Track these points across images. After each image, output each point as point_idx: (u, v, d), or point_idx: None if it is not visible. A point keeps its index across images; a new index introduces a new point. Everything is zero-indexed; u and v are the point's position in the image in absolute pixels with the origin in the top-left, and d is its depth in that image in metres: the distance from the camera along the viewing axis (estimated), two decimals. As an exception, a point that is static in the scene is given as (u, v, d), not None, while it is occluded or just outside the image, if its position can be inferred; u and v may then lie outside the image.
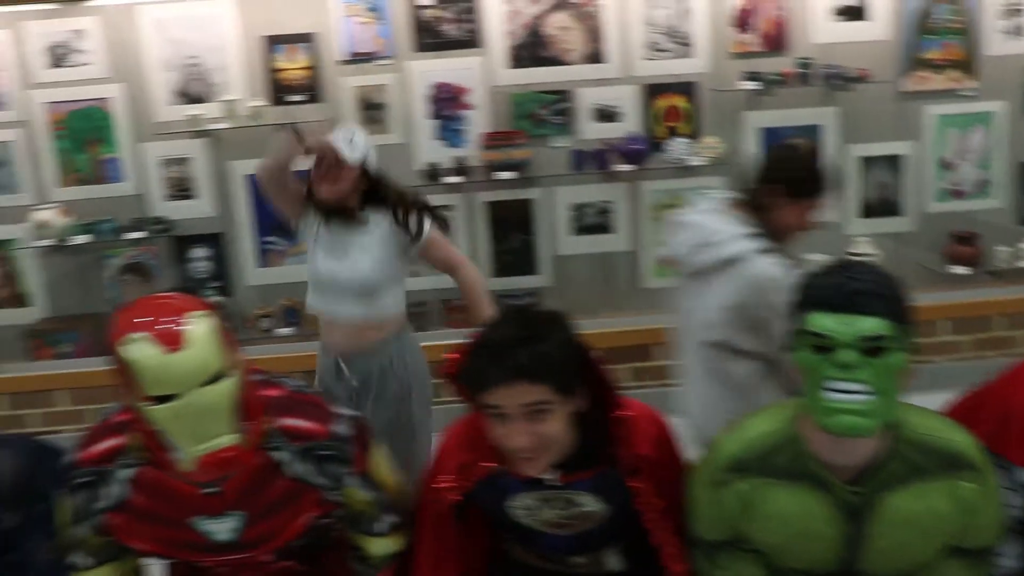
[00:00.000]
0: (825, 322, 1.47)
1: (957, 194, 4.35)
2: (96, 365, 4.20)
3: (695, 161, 4.13)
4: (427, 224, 2.68)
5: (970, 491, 1.56)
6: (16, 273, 4.36)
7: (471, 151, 4.20)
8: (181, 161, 4.25)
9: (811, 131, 4.20)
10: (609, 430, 1.74)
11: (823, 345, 1.47)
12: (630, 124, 4.20)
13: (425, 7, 4.15)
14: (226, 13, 4.13)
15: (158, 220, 4.23)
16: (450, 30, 4.18)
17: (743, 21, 4.17)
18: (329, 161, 2.56)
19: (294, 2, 4.12)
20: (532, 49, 4.18)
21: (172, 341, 1.53)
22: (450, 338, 4.09)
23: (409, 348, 2.74)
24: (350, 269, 2.62)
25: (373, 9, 4.15)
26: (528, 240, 4.30)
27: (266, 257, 4.32)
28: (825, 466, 1.57)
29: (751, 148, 4.19)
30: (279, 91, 4.20)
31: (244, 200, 4.27)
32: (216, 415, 1.58)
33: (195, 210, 4.28)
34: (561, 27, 4.17)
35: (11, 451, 1.84)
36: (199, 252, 4.33)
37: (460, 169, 4.16)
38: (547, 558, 1.92)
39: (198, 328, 1.56)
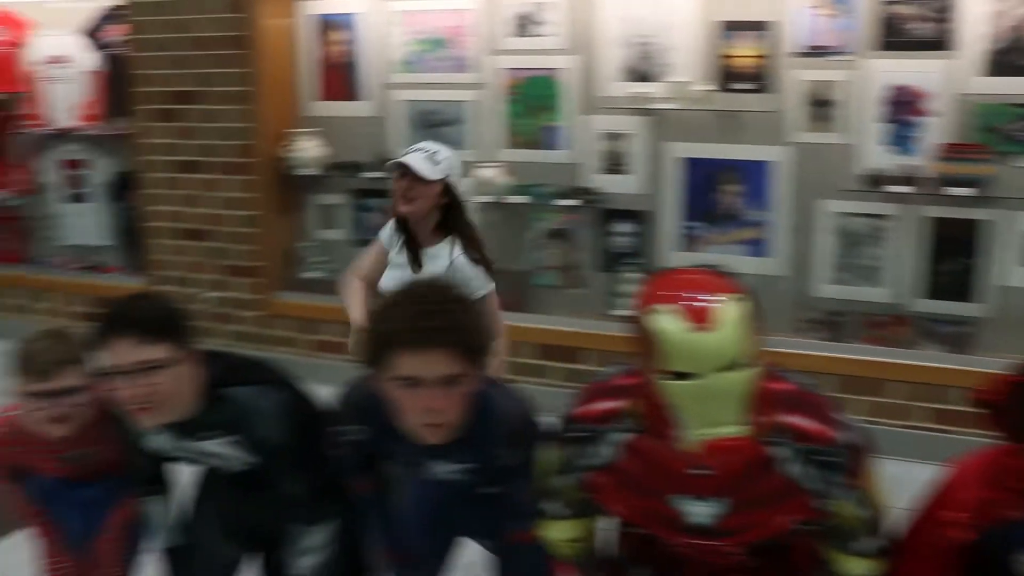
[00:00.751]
0: None
1: None
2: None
3: None
4: (488, 281, 2.87)
5: None
6: (454, 223, 5.12)
7: (923, 161, 4.27)
8: (619, 136, 4.73)
9: None
10: None
11: None
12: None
13: (894, 2, 4.25)
14: (686, -5, 4.47)
15: (589, 191, 4.77)
16: (919, 29, 4.25)
17: None
18: (407, 178, 2.78)
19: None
20: (1013, 55, 4.13)
21: (701, 320, 1.61)
22: (860, 354, 4.31)
23: None
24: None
25: (839, 1, 4.34)
26: (970, 264, 4.33)
27: (687, 241, 4.72)
28: None
29: None
30: (727, 77, 4.52)
31: (674, 182, 4.67)
32: (730, 402, 1.69)
33: (625, 186, 4.70)
34: (1052, 35, 4.11)
35: (514, 396, 2.17)
36: (623, 227, 4.79)
37: (907, 179, 4.27)
38: None
39: (730, 311, 1.64)
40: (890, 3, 4.24)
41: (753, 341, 1.70)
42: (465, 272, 2.80)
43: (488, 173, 4.80)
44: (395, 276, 2.91)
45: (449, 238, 2.86)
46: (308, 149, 5.07)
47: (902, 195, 4.27)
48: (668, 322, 1.64)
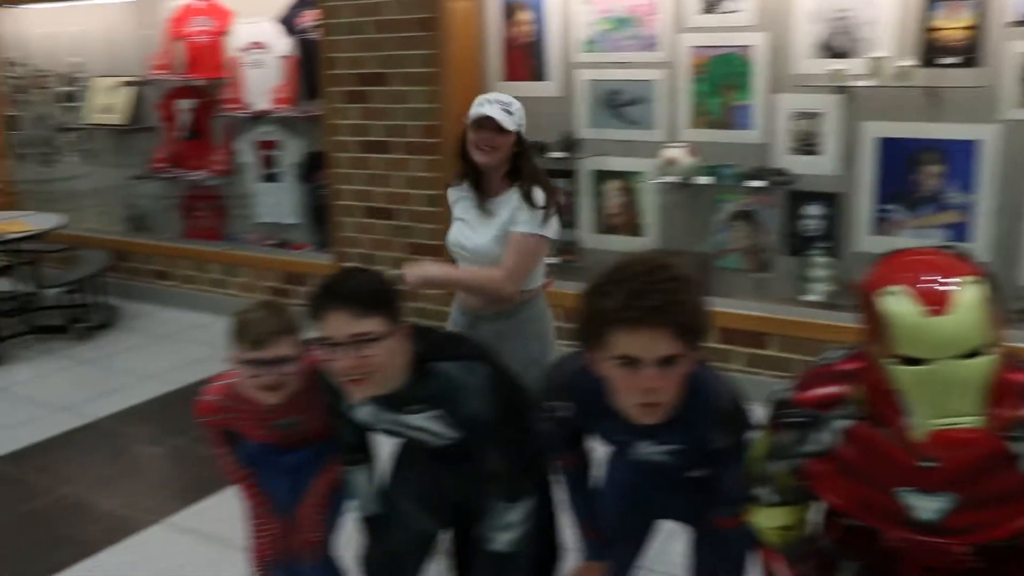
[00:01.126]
0: None
1: None
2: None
3: None
4: (529, 217, 2.78)
5: None
6: (637, 204, 5.07)
7: None
8: (812, 115, 4.54)
9: None
10: None
11: None
12: None
13: None
14: (887, -36, 4.23)
15: (779, 172, 4.60)
16: None
17: None
18: (488, 129, 2.74)
19: (971, -45, 4.12)
20: None
21: (936, 302, 1.52)
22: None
23: (532, 320, 2.88)
24: (476, 238, 2.86)
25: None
26: None
27: (881, 225, 4.50)
28: None
29: None
30: (931, 52, 4.26)
31: (870, 163, 4.43)
32: (964, 392, 1.57)
33: (817, 167, 4.52)
34: None
35: (725, 379, 2.12)
36: (813, 210, 4.61)
37: None
38: None
39: (967, 294, 1.54)
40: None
41: (992, 327, 1.57)
42: (521, 215, 2.81)
43: (673, 153, 4.72)
44: (461, 229, 2.94)
45: (517, 185, 2.84)
46: (492, 129, 5.09)
47: None
48: (901, 304, 1.55)
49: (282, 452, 2.60)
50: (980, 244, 4.25)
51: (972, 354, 1.54)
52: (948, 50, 4.22)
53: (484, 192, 2.89)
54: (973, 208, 4.28)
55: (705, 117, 4.77)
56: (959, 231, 4.31)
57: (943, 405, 1.58)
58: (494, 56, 5.27)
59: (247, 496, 2.66)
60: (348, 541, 2.70)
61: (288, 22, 5.94)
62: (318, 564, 2.63)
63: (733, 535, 2.15)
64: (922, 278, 1.57)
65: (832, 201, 4.56)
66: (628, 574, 2.46)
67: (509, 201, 2.83)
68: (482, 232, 2.88)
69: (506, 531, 2.28)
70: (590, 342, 1.91)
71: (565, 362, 2.19)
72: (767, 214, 4.71)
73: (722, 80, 4.69)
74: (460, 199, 2.96)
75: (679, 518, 2.42)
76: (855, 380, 1.77)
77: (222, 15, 6.21)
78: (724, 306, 4.63)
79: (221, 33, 6.21)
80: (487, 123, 2.77)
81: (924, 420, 1.60)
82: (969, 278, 1.57)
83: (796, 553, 2.07)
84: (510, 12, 5.17)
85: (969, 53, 4.19)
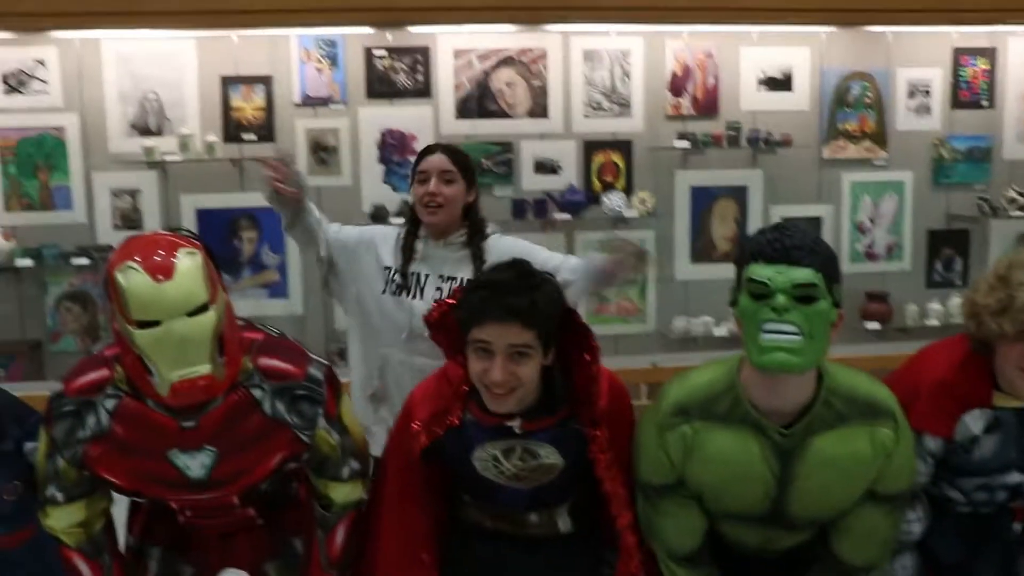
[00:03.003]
0: (764, 271, 1.80)
1: (871, 256, 5.08)
2: (29, 390, 4.56)
3: (629, 214, 4.75)
4: None
5: (887, 436, 1.88)
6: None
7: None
8: (132, 192, 4.70)
9: (739, 192, 4.90)
10: (576, 383, 2.02)
11: (761, 293, 1.79)
12: (569, 177, 4.81)
13: (379, 57, 4.74)
14: (186, 51, 4.61)
15: (104, 249, 4.64)
16: (402, 80, 4.77)
17: (677, 87, 4.86)
18: None
19: (253, 45, 4.63)
20: (479, 101, 4.77)
21: (158, 271, 1.76)
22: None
23: None
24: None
25: (328, 56, 4.71)
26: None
27: (210, 289, 4.76)
28: (760, 411, 1.90)
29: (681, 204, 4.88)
30: (234, 129, 4.71)
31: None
32: (196, 345, 1.79)
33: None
34: (507, 83, 4.80)
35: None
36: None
37: (405, 212, 4.68)
38: (502, 516, 2.17)
39: (186, 262, 1.79)
40: (375, 57, 4.68)
41: (212, 289, 1.83)
42: None
43: (-11, 238, 4.52)
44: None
45: None
46: None
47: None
48: (131, 276, 1.75)
49: None
50: (294, 295, 4.70)
51: (198, 311, 1.78)
52: (247, 127, 4.67)
53: None
54: (284, 266, 4.73)
55: (22, 199, 4.65)
56: (276, 288, 4.73)
57: (180, 359, 1.78)
58: None
59: None
60: None
61: None
62: None
63: (26, 549, 2.14)
64: (147, 253, 1.79)
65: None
66: None
67: None
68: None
69: None
70: None
71: None
72: (99, 292, 4.70)
73: (36, 161, 4.64)
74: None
75: None
76: (116, 361, 1.91)
77: None
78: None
79: None
80: None
81: (165, 376, 1.79)
82: (187, 250, 1.82)
83: (97, 549, 2.10)
84: None
85: (265, 130, 4.68)
